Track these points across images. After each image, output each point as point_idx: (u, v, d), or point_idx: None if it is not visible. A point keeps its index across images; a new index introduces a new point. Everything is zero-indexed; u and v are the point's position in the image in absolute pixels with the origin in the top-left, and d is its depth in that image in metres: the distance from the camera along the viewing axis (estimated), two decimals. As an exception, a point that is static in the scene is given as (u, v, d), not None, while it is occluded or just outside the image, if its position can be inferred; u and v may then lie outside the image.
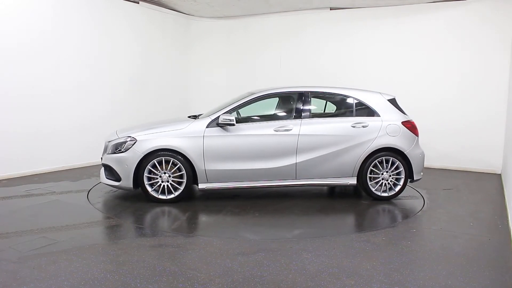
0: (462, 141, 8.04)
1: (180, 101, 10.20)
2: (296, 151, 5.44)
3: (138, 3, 8.82)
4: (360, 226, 4.90)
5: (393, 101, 5.82)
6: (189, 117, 5.94)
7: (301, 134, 5.45)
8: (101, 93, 8.17)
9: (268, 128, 5.48)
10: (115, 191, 6.02)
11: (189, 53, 10.42)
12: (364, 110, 5.72)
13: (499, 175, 7.63)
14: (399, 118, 5.67)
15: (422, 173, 5.74)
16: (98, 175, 6.88)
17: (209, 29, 10.37)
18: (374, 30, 8.68)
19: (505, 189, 6.23)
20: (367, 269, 3.45)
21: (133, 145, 5.32)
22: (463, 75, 7.99)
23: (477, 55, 7.84)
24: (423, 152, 5.74)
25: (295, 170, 5.47)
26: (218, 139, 5.38)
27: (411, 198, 5.84)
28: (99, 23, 8.05)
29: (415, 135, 5.67)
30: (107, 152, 5.53)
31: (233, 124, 5.34)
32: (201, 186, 5.44)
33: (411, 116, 5.89)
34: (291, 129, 5.45)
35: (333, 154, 5.48)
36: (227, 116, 5.33)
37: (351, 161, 5.51)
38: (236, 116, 5.74)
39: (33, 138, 7.00)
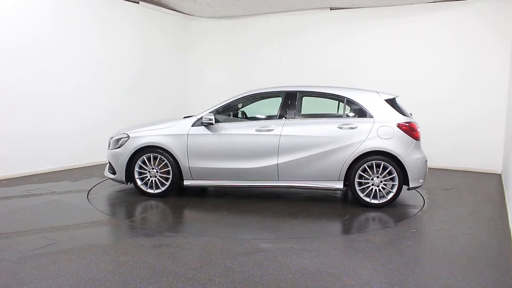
0: (462, 141, 8.04)
1: (180, 101, 10.21)
2: (278, 152, 5.35)
3: (138, 3, 8.83)
4: (321, 235, 4.35)
5: (391, 101, 5.45)
6: (185, 117, 5.96)
7: (283, 135, 5.34)
8: (101, 93, 8.17)
9: (250, 128, 5.48)
10: (114, 189, 6.04)
11: (189, 53, 10.43)
12: (356, 110, 5.43)
13: (499, 175, 7.63)
14: (394, 119, 5.26)
15: (421, 180, 5.26)
16: (98, 175, 7.05)
17: (209, 29, 10.37)
18: (375, 30, 8.69)
19: (505, 189, 6.23)
20: (367, 269, 3.45)
21: (126, 141, 5.70)
22: (463, 74, 7.99)
23: (477, 55, 7.85)
24: (423, 157, 5.28)
25: (277, 171, 5.38)
26: (201, 137, 5.52)
27: (411, 198, 5.83)
28: (99, 23, 8.05)
29: (414, 138, 5.22)
30: (109, 148, 5.92)
31: (212, 123, 5.45)
32: (186, 182, 5.63)
33: (414, 118, 5.54)
34: (273, 129, 5.38)
35: (316, 156, 5.26)
36: (208, 116, 5.45)
37: (337, 164, 5.24)
38: (228, 115, 5.82)
39: (33, 138, 7.00)
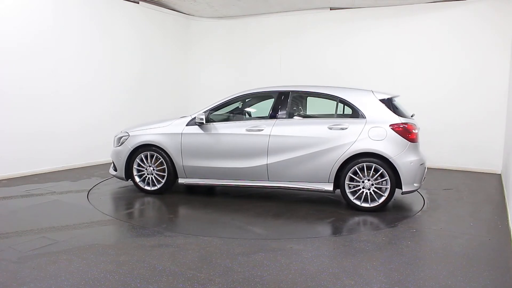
0: (462, 141, 8.04)
1: (180, 100, 10.21)
2: (267, 152, 5.31)
3: (138, 3, 8.83)
4: (293, 237, 4.20)
5: (387, 101, 5.24)
6: (181, 117, 6.01)
7: (272, 135, 5.30)
8: (101, 93, 8.17)
9: (241, 127, 5.49)
10: (114, 188, 6.06)
11: (189, 53, 10.43)
12: (349, 110, 5.33)
13: (499, 175, 7.63)
14: (387, 120, 5.06)
15: (416, 184, 5.05)
16: (98, 175, 7.07)
17: (209, 29, 10.37)
18: (375, 30, 8.69)
19: (505, 189, 6.23)
20: (367, 269, 3.45)
21: (126, 140, 5.89)
22: (463, 74, 7.99)
23: (477, 55, 7.85)
24: (419, 160, 5.06)
25: (266, 171, 5.35)
26: (194, 137, 5.61)
27: (411, 197, 5.83)
28: (99, 23, 8.05)
29: (408, 140, 5.00)
30: (114, 146, 6.11)
31: (203, 123, 5.52)
32: (180, 180, 5.76)
33: (414, 119, 5.39)
34: (262, 129, 5.36)
35: (305, 157, 5.16)
36: (200, 115, 5.53)
37: (326, 166, 5.11)
38: (222, 115, 5.86)
39: (33, 138, 7.00)
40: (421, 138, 5.59)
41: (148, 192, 5.84)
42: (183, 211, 5.36)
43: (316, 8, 9.12)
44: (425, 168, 5.26)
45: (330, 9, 9.03)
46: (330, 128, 5.18)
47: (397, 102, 5.53)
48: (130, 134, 5.90)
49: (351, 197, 5.13)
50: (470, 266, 3.54)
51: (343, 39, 9.01)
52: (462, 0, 7.90)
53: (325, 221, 4.86)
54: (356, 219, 4.92)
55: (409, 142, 5.03)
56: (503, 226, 4.65)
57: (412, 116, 5.51)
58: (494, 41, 7.68)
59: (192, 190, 6.23)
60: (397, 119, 5.09)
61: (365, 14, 8.72)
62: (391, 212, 5.20)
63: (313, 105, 5.93)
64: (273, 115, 5.49)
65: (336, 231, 4.58)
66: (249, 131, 5.41)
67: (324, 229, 4.68)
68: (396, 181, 5.02)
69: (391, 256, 3.75)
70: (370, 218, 4.93)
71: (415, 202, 5.63)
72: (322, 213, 5.13)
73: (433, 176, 7.31)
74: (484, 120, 7.84)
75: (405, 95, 6.83)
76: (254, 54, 10.02)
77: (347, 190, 5.13)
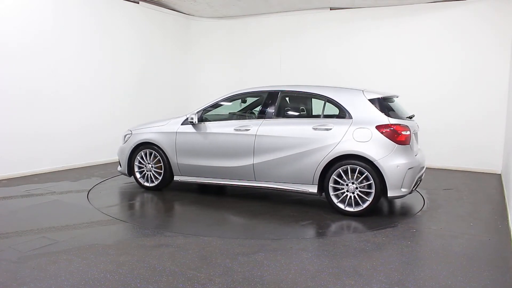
0: (462, 141, 8.04)
1: (180, 101, 10.20)
2: (254, 152, 5.31)
3: (138, 3, 8.83)
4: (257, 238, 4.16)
5: (378, 101, 4.99)
6: (178, 117, 6.12)
7: (258, 135, 5.28)
8: (101, 93, 8.17)
9: (230, 127, 5.52)
10: (114, 188, 6.07)
11: (189, 53, 10.43)
12: (336, 110, 5.14)
13: (499, 175, 7.63)
14: (375, 120, 4.83)
15: (404, 190, 4.76)
16: (98, 175, 7.07)
17: (209, 29, 10.37)
18: (374, 30, 8.69)
19: (505, 189, 6.23)
20: (367, 269, 3.45)
21: (129, 138, 6.18)
22: (463, 74, 7.99)
23: (476, 55, 7.85)
24: (408, 163, 4.75)
25: (253, 171, 5.35)
26: (187, 135, 5.76)
27: (411, 198, 5.82)
28: (99, 23, 8.05)
29: (396, 142, 4.72)
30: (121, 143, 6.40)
31: (193, 123, 5.68)
32: (175, 178, 5.95)
33: (407, 120, 5.15)
34: (249, 129, 5.36)
35: (290, 157, 5.08)
36: (193, 115, 5.69)
37: (310, 167, 4.98)
38: (215, 115, 5.95)
39: (33, 138, 7.00)
40: (420, 139, 5.54)
41: (147, 188, 6.06)
42: (169, 207, 5.47)
43: (316, 8, 9.12)
44: (419, 171, 5.03)
45: (330, 9, 9.03)
46: (315, 129, 5.04)
47: (395, 102, 5.44)
48: (133, 132, 6.16)
49: (335, 200, 4.94)
50: (470, 266, 3.54)
51: (343, 39, 9.01)
52: (462, 0, 7.90)
53: (300, 223, 4.74)
54: (356, 219, 4.92)
55: (397, 145, 4.75)
56: (503, 226, 4.65)
57: (411, 117, 5.43)
58: (494, 41, 7.68)
59: (198, 187, 6.25)
60: (385, 120, 4.84)
61: (365, 14, 8.72)
62: (391, 212, 5.20)
63: (304, 105, 5.90)
64: (261, 115, 5.51)
65: (328, 233, 4.58)
66: (237, 130, 5.44)
67: (299, 231, 4.61)
68: (384, 185, 4.78)
69: (391, 256, 3.75)
70: (369, 218, 4.92)
71: (415, 202, 5.63)
72: (304, 214, 5.04)
73: (433, 176, 7.31)
74: (484, 120, 7.84)
75: (405, 95, 6.83)
76: (254, 54, 10.02)
77: (331, 193, 4.96)
